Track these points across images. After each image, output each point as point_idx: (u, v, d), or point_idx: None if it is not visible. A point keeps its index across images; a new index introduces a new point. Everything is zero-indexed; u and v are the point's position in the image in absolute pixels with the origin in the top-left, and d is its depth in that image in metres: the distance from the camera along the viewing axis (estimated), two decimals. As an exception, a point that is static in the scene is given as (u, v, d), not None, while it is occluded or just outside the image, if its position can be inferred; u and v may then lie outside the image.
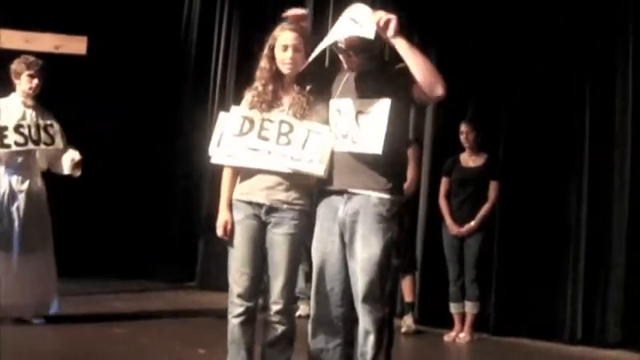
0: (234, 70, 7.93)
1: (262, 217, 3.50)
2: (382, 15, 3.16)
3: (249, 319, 3.52)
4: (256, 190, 3.49)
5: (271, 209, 3.48)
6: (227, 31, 8.05)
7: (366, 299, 3.26)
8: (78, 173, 5.43)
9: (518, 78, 6.31)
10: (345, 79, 3.46)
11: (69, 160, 5.38)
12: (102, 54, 6.81)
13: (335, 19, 3.44)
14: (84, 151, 5.52)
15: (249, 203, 3.50)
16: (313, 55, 3.38)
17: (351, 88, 3.40)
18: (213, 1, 8.17)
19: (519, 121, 6.29)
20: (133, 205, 8.14)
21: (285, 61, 3.49)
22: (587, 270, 5.92)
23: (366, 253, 3.25)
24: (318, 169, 3.41)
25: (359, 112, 3.30)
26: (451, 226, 5.95)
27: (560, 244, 6.09)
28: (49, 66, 5.50)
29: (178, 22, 8.40)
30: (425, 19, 6.70)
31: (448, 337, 5.93)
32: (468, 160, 6.07)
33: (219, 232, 3.55)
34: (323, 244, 3.43)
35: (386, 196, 3.29)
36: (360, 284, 3.27)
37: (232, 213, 3.54)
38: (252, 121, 3.51)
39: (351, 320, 3.39)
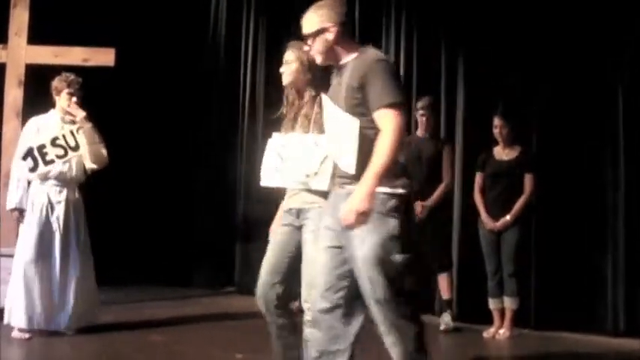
0: (263, 75, 7.96)
1: (295, 221, 3.69)
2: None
3: None
4: (288, 198, 3.75)
5: (300, 211, 3.65)
6: (254, 37, 8.07)
7: (369, 299, 3.17)
8: (88, 126, 5.36)
9: (550, 69, 6.21)
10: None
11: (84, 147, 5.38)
12: (128, 65, 6.85)
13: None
14: (119, 160, 5.58)
15: (288, 210, 3.75)
16: None
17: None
18: (240, 8, 8.20)
19: (552, 112, 6.21)
20: (170, 213, 8.20)
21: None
22: (627, 259, 5.81)
23: (360, 251, 3.13)
24: (322, 184, 3.47)
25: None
26: (487, 221, 5.89)
27: (598, 234, 6.00)
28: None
29: (205, 30, 8.44)
30: (453, 12, 6.66)
31: (487, 333, 5.86)
32: (502, 153, 6.01)
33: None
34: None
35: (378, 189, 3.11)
36: (361, 284, 3.18)
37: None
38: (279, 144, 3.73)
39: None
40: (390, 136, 3.04)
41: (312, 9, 3.34)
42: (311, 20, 3.31)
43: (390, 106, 3.08)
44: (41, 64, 5.84)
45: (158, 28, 8.20)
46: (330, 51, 3.30)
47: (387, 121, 3.07)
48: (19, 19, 6.21)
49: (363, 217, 3.02)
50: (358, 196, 3.02)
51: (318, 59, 3.38)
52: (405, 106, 3.12)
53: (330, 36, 3.26)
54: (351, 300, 3.27)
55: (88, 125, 5.36)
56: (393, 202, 3.14)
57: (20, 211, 5.40)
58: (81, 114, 5.35)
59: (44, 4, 6.42)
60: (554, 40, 6.18)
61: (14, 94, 6.09)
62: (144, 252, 7.94)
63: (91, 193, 5.67)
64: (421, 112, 6.28)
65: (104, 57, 6.18)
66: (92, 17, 7.67)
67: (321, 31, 3.27)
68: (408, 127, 6.71)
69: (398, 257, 3.13)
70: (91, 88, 5.55)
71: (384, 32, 7.18)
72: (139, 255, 7.90)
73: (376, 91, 3.11)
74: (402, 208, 3.16)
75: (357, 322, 3.34)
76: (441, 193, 6.17)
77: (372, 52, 3.29)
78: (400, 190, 3.16)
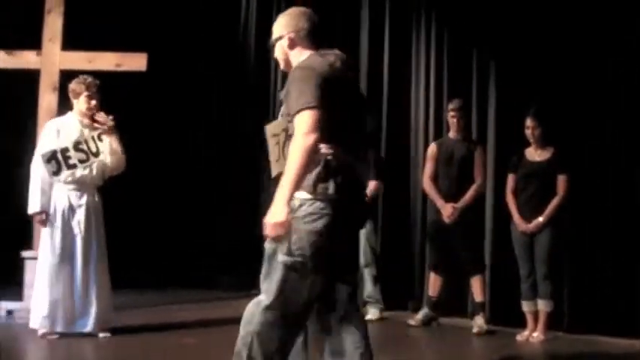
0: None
1: None
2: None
3: None
4: None
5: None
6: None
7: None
8: (114, 137, 5.45)
9: (582, 69, 6.15)
10: None
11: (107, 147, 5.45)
12: (160, 69, 6.92)
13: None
14: (146, 163, 5.61)
15: None
16: None
17: None
18: (270, 10, 8.21)
19: (584, 112, 6.14)
20: (197, 215, 8.24)
21: None
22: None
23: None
24: None
25: None
26: (519, 223, 5.84)
27: (632, 236, 5.91)
28: (109, 82, 5.62)
29: (235, 33, 8.48)
30: (484, 13, 6.63)
31: (521, 336, 5.80)
32: (534, 154, 5.95)
33: None
34: None
35: (297, 195, 3.12)
36: None
37: None
38: None
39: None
40: (297, 143, 3.05)
41: (278, 17, 3.48)
42: (274, 28, 3.45)
43: (299, 111, 3.08)
44: (75, 70, 5.90)
45: (188, 32, 8.26)
46: (286, 57, 3.41)
47: (297, 127, 3.08)
48: (53, 25, 6.28)
49: (278, 228, 3.04)
50: (274, 207, 3.04)
51: (281, 65, 3.48)
52: (316, 109, 3.06)
53: (284, 43, 3.38)
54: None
55: (114, 136, 5.43)
56: (308, 209, 3.11)
57: (43, 214, 5.38)
58: (110, 123, 5.41)
59: (77, 10, 6.50)
60: (588, 40, 6.12)
61: (49, 100, 6.16)
62: (170, 255, 7.99)
63: (118, 197, 5.71)
64: (452, 113, 6.27)
65: (136, 62, 6.24)
66: (124, 22, 7.76)
67: (278, 39, 3.40)
68: (438, 129, 6.83)
69: (287, 259, 3.11)
70: (121, 92, 5.59)
71: (414, 34, 7.17)
72: (167, 258, 7.95)
73: (291, 100, 3.15)
74: (321, 214, 3.11)
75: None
76: (473, 195, 6.14)
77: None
78: (308, 196, 3.11)
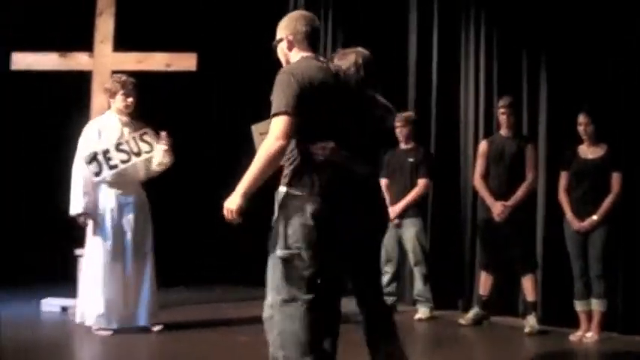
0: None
1: None
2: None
3: None
4: None
5: None
6: (333, 38, 8.07)
7: None
8: (167, 159, 5.54)
9: (635, 65, 6.03)
10: None
11: (159, 152, 5.52)
12: (210, 69, 6.97)
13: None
14: (193, 161, 5.67)
15: None
16: None
17: None
18: (318, 9, 8.21)
19: (637, 108, 6.02)
20: (250, 215, 8.26)
21: None
22: None
23: None
24: None
25: None
26: (573, 221, 5.75)
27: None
28: (160, 82, 5.69)
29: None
30: (534, 10, 6.55)
31: (574, 336, 5.72)
32: (587, 151, 5.85)
33: None
34: None
35: (280, 189, 3.40)
36: None
37: None
38: None
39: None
40: (265, 144, 3.25)
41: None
42: (277, 30, 3.61)
43: (274, 115, 3.26)
44: (125, 70, 5.98)
45: (236, 32, 8.31)
46: (287, 59, 3.57)
47: (270, 130, 3.27)
48: (104, 27, 6.37)
49: (230, 214, 3.28)
50: (232, 195, 3.29)
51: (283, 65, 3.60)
52: (287, 115, 3.23)
53: (284, 45, 3.55)
54: None
55: (170, 152, 5.51)
56: (283, 201, 3.35)
57: (87, 216, 5.46)
58: (168, 142, 5.50)
59: (127, 11, 6.58)
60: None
61: (101, 100, 6.23)
62: (227, 252, 8.03)
63: (165, 195, 5.78)
64: (502, 110, 6.21)
65: (186, 62, 6.30)
66: (173, 22, 7.84)
67: (279, 41, 3.58)
68: (488, 126, 6.77)
69: (280, 252, 3.31)
70: (172, 92, 5.65)
71: (462, 32, 7.11)
72: (223, 255, 8.00)
73: (272, 102, 3.31)
74: (291, 208, 3.31)
75: None
76: (524, 192, 6.06)
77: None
78: (295, 192, 3.31)
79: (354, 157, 3.41)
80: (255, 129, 3.85)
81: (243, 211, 3.28)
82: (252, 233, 8.21)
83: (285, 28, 3.54)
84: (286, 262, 3.31)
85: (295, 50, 3.52)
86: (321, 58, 3.53)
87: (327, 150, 3.32)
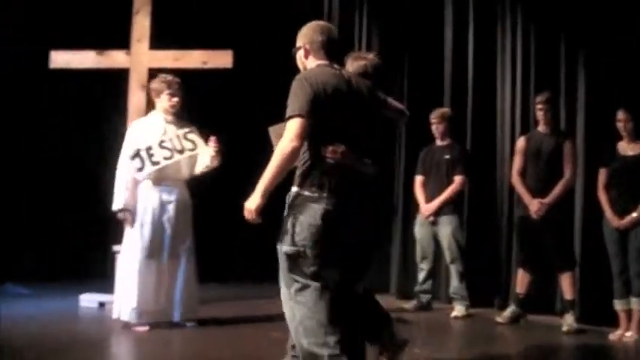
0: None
1: None
2: None
3: None
4: None
5: None
6: (367, 37, 8.02)
7: None
8: (216, 162, 5.59)
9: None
10: None
11: (206, 155, 5.55)
12: (246, 66, 6.99)
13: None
14: (232, 157, 5.71)
15: None
16: None
17: None
18: (352, 8, 8.20)
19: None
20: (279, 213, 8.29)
21: None
22: None
23: None
24: None
25: None
26: (612, 219, 5.66)
27: None
28: (196, 81, 5.72)
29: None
30: (572, 5, 6.46)
31: (614, 335, 5.64)
32: (627, 148, 5.76)
33: None
34: None
35: (293, 188, 3.53)
36: None
37: None
38: None
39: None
40: (280, 145, 3.38)
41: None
42: (297, 38, 3.77)
43: (289, 118, 3.41)
44: (162, 68, 6.03)
45: (271, 29, 8.32)
46: (304, 66, 3.73)
47: (285, 132, 3.40)
48: (141, 25, 6.44)
49: (250, 214, 3.42)
50: (252, 196, 3.42)
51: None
52: (301, 118, 3.37)
53: (301, 53, 3.74)
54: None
55: (218, 157, 5.55)
56: (294, 201, 3.48)
57: (127, 212, 5.52)
58: (213, 152, 5.52)
59: (164, 9, 6.63)
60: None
61: (138, 97, 6.32)
62: (261, 249, 8.04)
63: (212, 192, 5.81)
64: (539, 106, 6.13)
65: (222, 59, 6.33)
66: (209, 20, 7.87)
67: (298, 49, 3.76)
68: (525, 123, 6.70)
69: (287, 249, 3.44)
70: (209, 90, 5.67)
71: (499, 27, 7.05)
72: (256, 252, 8.02)
73: (287, 107, 3.45)
74: (301, 207, 3.44)
75: None
76: (562, 190, 5.98)
77: None
78: (306, 193, 3.45)
79: (362, 158, 3.56)
80: (272, 130, 3.99)
81: (262, 210, 3.39)
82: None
83: (303, 37, 3.72)
84: (290, 257, 3.44)
85: (311, 58, 3.69)
86: (336, 66, 3.66)
87: (339, 154, 3.46)
